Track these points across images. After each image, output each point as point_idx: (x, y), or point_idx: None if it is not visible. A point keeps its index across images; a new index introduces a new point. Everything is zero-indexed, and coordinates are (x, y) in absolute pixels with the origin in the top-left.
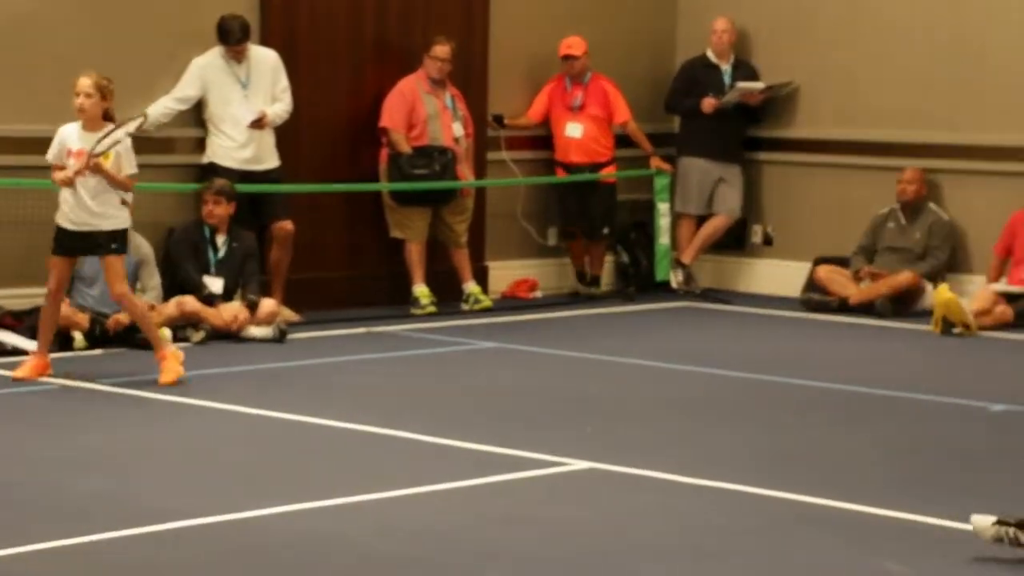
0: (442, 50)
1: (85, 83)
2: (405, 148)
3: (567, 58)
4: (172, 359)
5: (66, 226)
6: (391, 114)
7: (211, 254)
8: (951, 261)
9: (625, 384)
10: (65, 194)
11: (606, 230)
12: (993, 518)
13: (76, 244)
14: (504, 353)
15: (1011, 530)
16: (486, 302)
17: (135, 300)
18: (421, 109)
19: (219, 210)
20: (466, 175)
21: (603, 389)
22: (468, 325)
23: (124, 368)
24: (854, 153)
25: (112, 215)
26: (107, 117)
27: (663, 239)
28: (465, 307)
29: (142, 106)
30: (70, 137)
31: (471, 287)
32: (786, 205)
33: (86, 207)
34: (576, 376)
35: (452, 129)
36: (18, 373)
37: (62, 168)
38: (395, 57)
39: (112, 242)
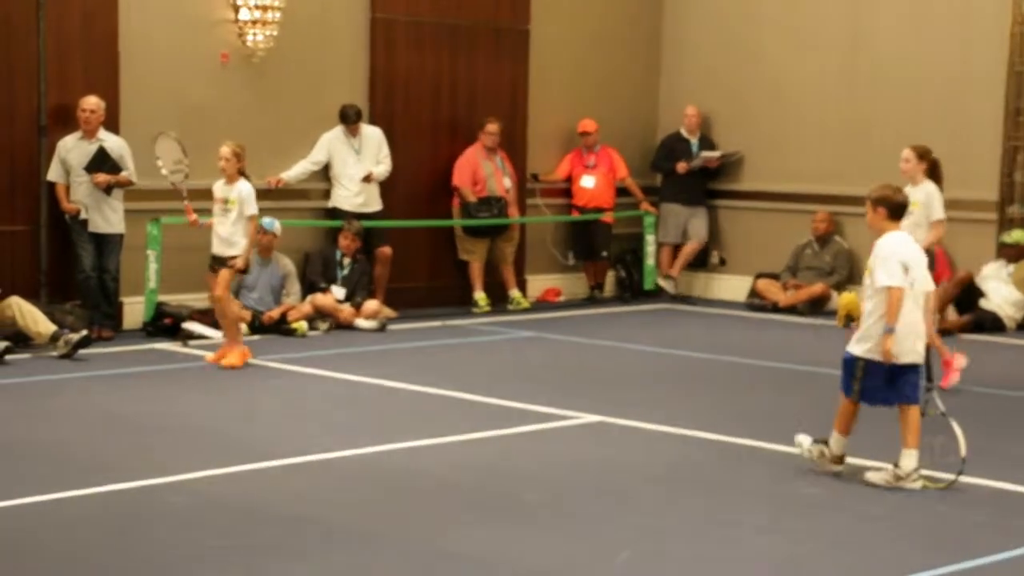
0: (493, 127)
1: (225, 150)
2: (471, 199)
3: (584, 134)
4: (237, 353)
5: (211, 251)
6: (460, 175)
7: (339, 271)
8: (850, 276)
9: (624, 362)
10: (215, 228)
11: (604, 253)
12: (811, 438)
13: (218, 264)
14: (538, 340)
15: (818, 447)
16: (525, 304)
17: (229, 303)
18: (480, 171)
19: (351, 243)
20: (515, 215)
21: (608, 365)
22: (513, 320)
23: (275, 348)
24: (782, 200)
25: (236, 243)
26: (241, 173)
27: (650, 260)
28: (510, 307)
29: (289, 164)
30: (216, 186)
31: (515, 293)
32: (735, 237)
33: (222, 237)
34: (589, 356)
35: (503, 183)
36: (227, 361)
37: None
38: (462, 131)
39: (228, 263)
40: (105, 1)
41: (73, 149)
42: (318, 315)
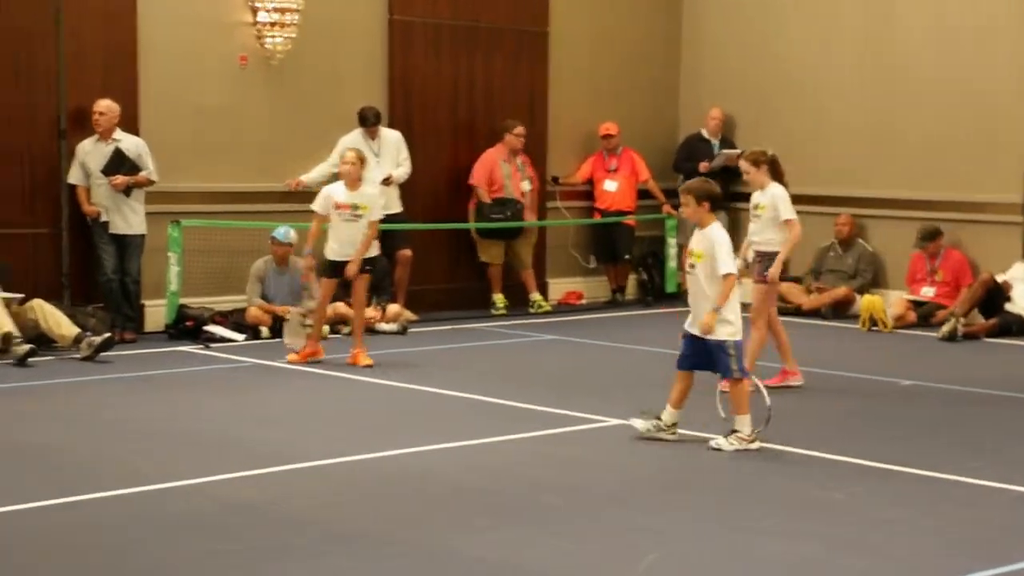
0: (520, 130)
1: (351, 155)
2: (486, 199)
3: (606, 137)
4: (363, 355)
5: (334, 258)
6: (477, 175)
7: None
8: (873, 280)
9: (645, 365)
10: (336, 234)
11: (626, 256)
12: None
13: (339, 269)
14: (559, 343)
15: (655, 423)
16: (547, 307)
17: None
18: (498, 172)
19: None
20: (531, 219)
21: (629, 368)
22: (533, 323)
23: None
24: (804, 203)
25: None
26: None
27: (671, 263)
28: (531, 310)
29: (308, 167)
30: (336, 193)
31: (535, 296)
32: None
33: (352, 243)
34: (611, 359)
35: (521, 187)
36: (292, 357)
37: (325, 217)
38: (481, 134)
39: (368, 265)
40: (123, 5)
41: (91, 152)
42: (339, 319)
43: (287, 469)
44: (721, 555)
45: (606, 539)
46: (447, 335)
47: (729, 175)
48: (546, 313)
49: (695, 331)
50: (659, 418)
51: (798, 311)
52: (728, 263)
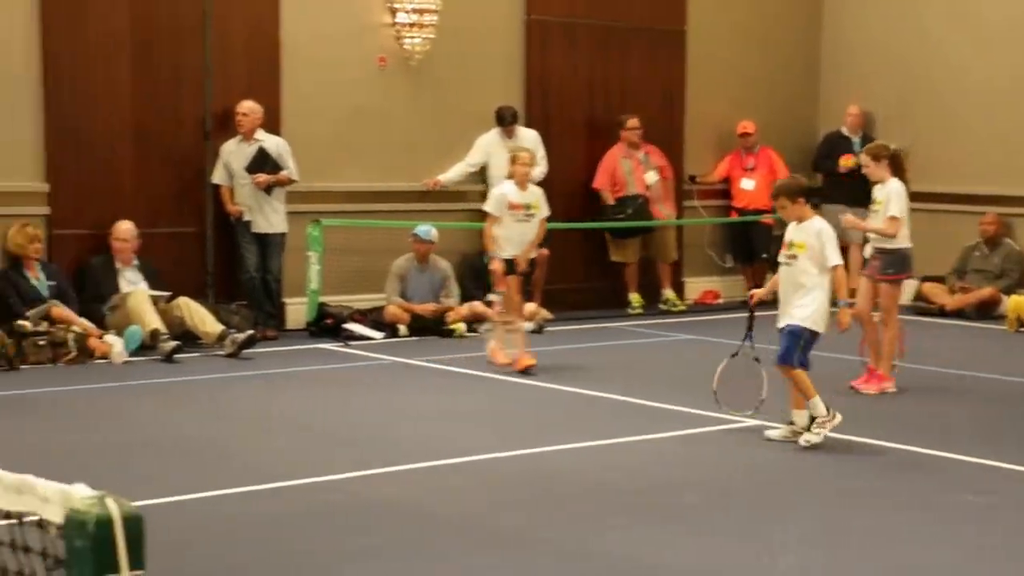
0: (632, 123)
1: (525, 156)
2: (609, 201)
3: (743, 135)
4: (528, 359)
5: (510, 256)
6: (599, 178)
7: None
8: (1020, 280)
9: None
10: (509, 234)
11: (764, 256)
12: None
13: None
14: (695, 343)
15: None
16: (680, 306)
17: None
18: (619, 170)
19: None
20: (660, 211)
21: (768, 369)
22: (670, 323)
23: (433, 349)
24: (948, 202)
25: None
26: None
27: None
28: (663, 307)
29: (446, 166)
30: (510, 193)
31: (668, 293)
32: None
33: (524, 243)
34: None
35: (644, 179)
36: (502, 360)
37: (498, 219)
38: (616, 133)
39: (528, 267)
40: (268, 10)
41: (234, 152)
42: (476, 318)
43: (429, 466)
44: (858, 559)
45: (744, 539)
46: (583, 334)
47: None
48: (681, 312)
49: (792, 320)
50: (791, 423)
51: (942, 312)
52: (837, 254)
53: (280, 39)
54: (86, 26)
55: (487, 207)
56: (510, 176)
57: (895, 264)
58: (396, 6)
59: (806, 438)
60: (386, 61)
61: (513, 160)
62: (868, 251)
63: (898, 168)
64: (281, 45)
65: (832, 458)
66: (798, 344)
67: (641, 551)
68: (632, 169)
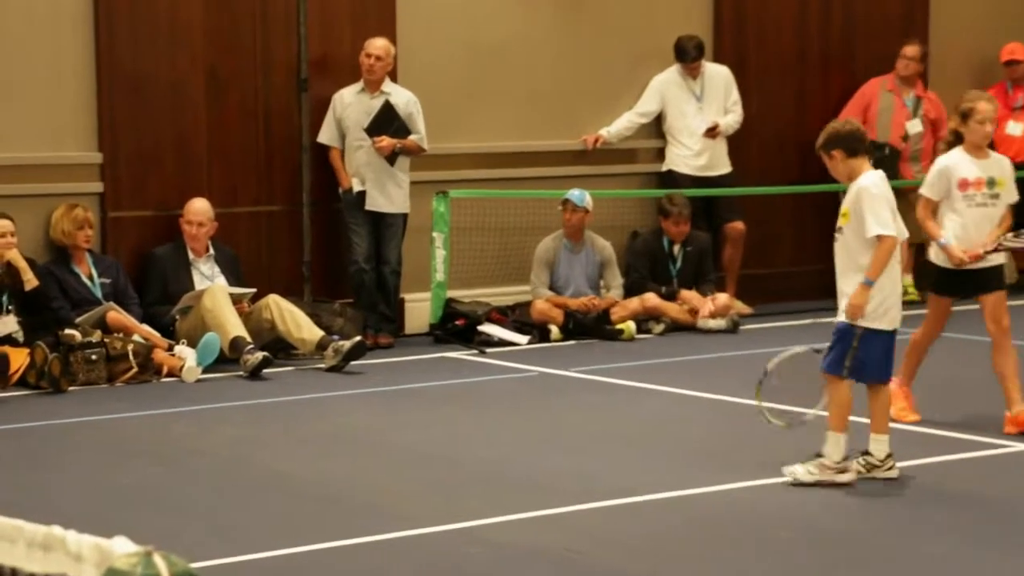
0: (910, 50)
1: (988, 108)
2: None
3: (1010, 63)
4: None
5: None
6: (846, 110)
7: (671, 266)
8: None
9: None
10: (961, 225)
11: None
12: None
13: (963, 281)
14: (948, 342)
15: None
16: (914, 295)
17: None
18: (875, 105)
19: (681, 228)
20: (912, 176)
21: None
22: (910, 314)
23: (595, 356)
24: None
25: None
26: None
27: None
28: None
29: (611, 118)
30: (960, 165)
31: (906, 280)
32: None
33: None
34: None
35: (905, 127)
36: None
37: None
38: (838, 68)
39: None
40: None
41: (351, 104)
42: (649, 314)
43: (587, 508)
44: None
45: None
46: (788, 333)
47: None
48: (915, 302)
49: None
50: (868, 451)
51: None
52: (881, 221)
53: None
54: None
55: (923, 189)
56: (956, 139)
57: None
58: None
59: (792, 470)
60: None
61: (966, 115)
62: None
63: None
64: None
65: None
66: (849, 347)
67: None
68: (892, 108)
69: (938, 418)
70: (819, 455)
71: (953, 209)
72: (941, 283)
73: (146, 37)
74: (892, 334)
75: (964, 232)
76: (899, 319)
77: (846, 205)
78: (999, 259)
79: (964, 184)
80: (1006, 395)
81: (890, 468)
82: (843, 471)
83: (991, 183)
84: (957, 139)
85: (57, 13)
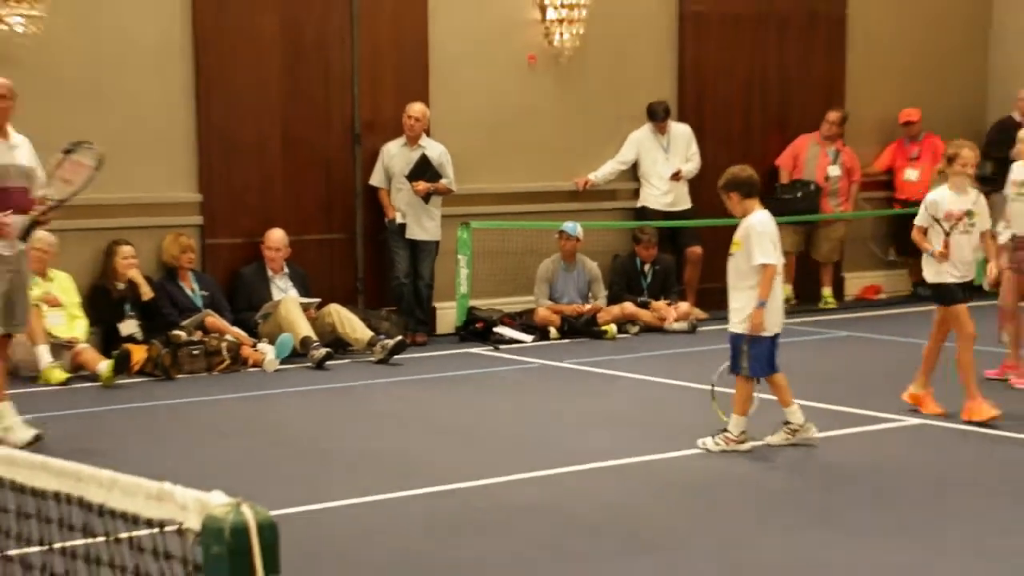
0: (832, 115)
1: (969, 155)
2: (783, 179)
3: (907, 123)
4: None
5: (951, 280)
6: (783, 157)
7: (642, 280)
8: None
9: (947, 362)
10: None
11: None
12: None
13: (957, 294)
14: (854, 340)
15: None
16: (832, 303)
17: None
18: (803, 154)
19: (649, 251)
20: (831, 209)
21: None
22: (827, 319)
23: (584, 351)
24: None
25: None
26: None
27: (979, 253)
28: (820, 306)
29: (597, 164)
30: (943, 199)
31: (825, 291)
32: None
33: (966, 261)
34: (914, 356)
35: (826, 171)
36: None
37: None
38: (776, 126)
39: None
40: (414, 9)
41: (396, 155)
42: (627, 318)
43: (575, 470)
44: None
45: (914, 540)
46: None
47: None
48: (833, 309)
49: (729, 326)
50: (787, 420)
51: None
52: (765, 252)
53: (428, 38)
54: (236, 36)
55: (918, 220)
56: (948, 178)
57: None
58: (546, 2)
59: (703, 441)
60: (535, 59)
61: (951, 159)
62: (1004, 238)
63: None
64: (429, 46)
65: (999, 454)
66: (741, 352)
67: (804, 555)
68: (816, 158)
69: (859, 400)
70: (725, 431)
71: (939, 234)
72: (948, 295)
73: (235, 104)
74: (774, 339)
75: (949, 252)
76: (779, 325)
77: (738, 236)
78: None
79: (949, 216)
80: (966, 385)
81: (809, 430)
82: (742, 443)
83: (970, 215)
84: (944, 178)
85: (168, 88)
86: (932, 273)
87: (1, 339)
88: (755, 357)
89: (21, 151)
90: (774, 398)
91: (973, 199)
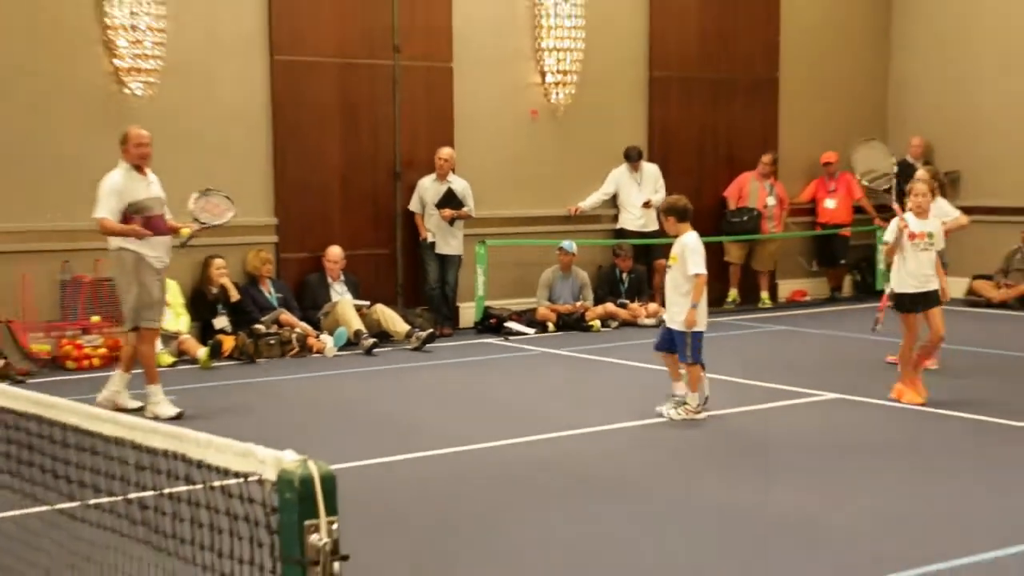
0: (767, 158)
1: (922, 187)
2: (731, 206)
3: (826, 164)
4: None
5: (909, 290)
6: (730, 189)
7: (621, 287)
8: None
9: (860, 350)
10: (909, 266)
11: (843, 261)
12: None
13: (917, 301)
14: (787, 333)
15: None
16: (768, 303)
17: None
18: (746, 187)
19: (627, 263)
20: (768, 230)
21: (847, 352)
22: (765, 316)
23: (574, 342)
24: (994, 213)
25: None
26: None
27: (881, 265)
28: (760, 305)
29: (585, 195)
30: (909, 223)
31: (763, 294)
32: (955, 244)
33: (925, 274)
34: (831, 345)
35: (765, 200)
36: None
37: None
38: (722, 165)
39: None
40: (443, 75)
41: (429, 188)
42: (608, 316)
43: (572, 434)
44: (925, 502)
45: (831, 488)
46: None
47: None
48: (769, 308)
49: (670, 323)
50: (674, 393)
51: (989, 304)
52: (697, 264)
53: (453, 98)
54: (305, 97)
55: (886, 235)
56: (909, 207)
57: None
58: (545, 69)
59: (666, 411)
60: (537, 113)
61: (913, 192)
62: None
63: (944, 190)
64: (454, 103)
65: (902, 422)
66: (685, 344)
67: (747, 497)
68: (756, 191)
69: (778, 379)
70: (685, 403)
71: (904, 250)
72: (904, 304)
73: (304, 149)
74: (701, 333)
75: (911, 266)
76: (706, 323)
77: (674, 252)
78: (935, 285)
79: (912, 236)
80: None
81: (699, 412)
82: (699, 413)
83: (929, 236)
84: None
85: (252, 139)
86: (896, 283)
87: (152, 332)
88: (695, 347)
89: (155, 186)
90: (713, 377)
91: (933, 225)
